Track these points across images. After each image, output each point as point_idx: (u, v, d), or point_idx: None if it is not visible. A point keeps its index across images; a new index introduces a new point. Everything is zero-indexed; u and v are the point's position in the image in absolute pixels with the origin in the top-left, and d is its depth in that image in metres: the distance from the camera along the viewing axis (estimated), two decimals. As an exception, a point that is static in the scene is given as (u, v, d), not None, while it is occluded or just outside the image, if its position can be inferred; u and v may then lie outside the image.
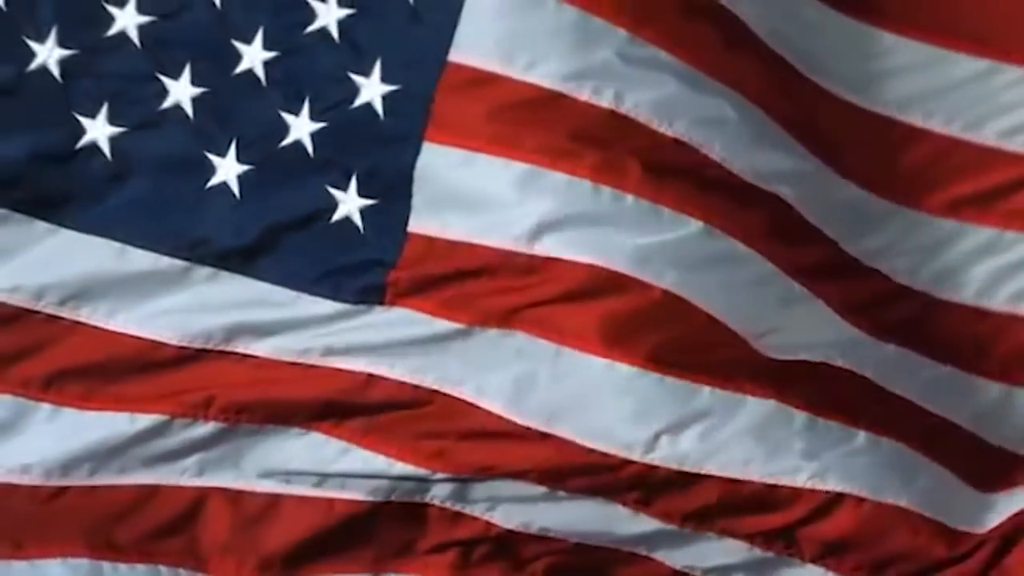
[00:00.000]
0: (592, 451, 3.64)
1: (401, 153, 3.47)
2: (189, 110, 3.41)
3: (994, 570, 3.77)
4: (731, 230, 3.52)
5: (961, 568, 3.78)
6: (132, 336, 3.54)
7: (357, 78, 3.42)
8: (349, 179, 3.50)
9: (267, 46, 3.39)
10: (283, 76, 3.41)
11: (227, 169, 3.46)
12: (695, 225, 3.50)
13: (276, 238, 3.51)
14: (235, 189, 3.47)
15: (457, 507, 3.72)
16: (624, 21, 3.40)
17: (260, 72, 3.40)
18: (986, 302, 3.58)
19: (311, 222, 3.51)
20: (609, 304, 3.56)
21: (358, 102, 3.44)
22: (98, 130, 3.40)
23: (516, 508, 3.74)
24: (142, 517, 3.61)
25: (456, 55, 3.41)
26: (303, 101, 3.43)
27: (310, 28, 3.38)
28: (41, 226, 3.43)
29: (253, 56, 3.39)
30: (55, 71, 3.34)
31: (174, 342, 3.56)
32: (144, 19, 3.35)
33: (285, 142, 3.45)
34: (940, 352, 3.64)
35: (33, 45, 3.32)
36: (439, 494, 3.71)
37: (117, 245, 3.47)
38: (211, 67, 3.39)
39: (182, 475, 3.61)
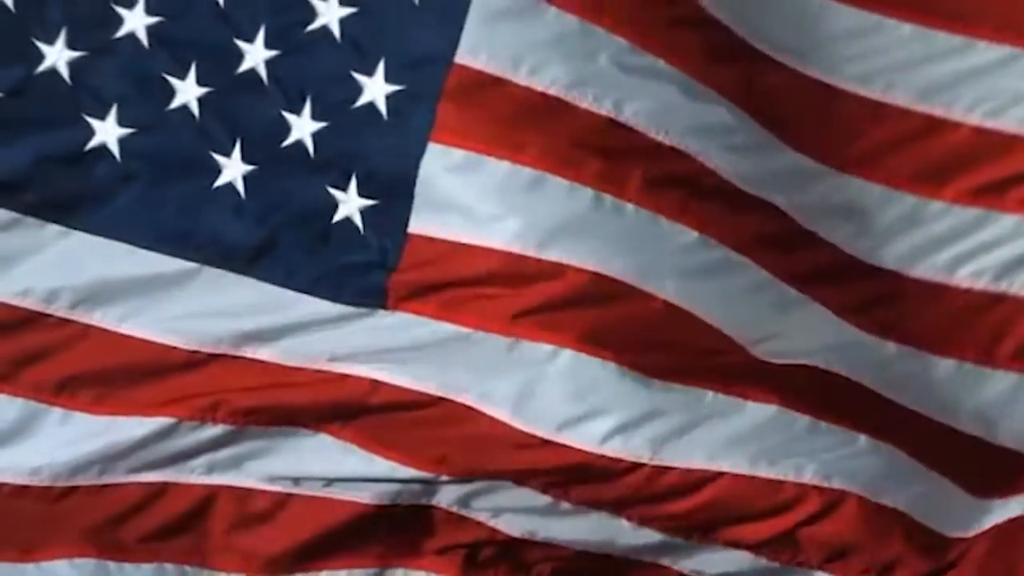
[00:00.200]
0: (601, 456, 3.65)
1: (404, 154, 3.49)
2: (195, 110, 3.41)
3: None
4: (725, 239, 3.55)
5: (955, 574, 3.75)
6: (144, 340, 3.57)
7: (360, 77, 3.43)
8: (349, 179, 3.50)
9: (268, 45, 3.38)
10: (284, 75, 3.40)
11: (232, 169, 3.47)
12: (691, 235, 3.54)
13: (278, 238, 3.52)
14: (240, 189, 3.48)
15: (463, 512, 3.73)
16: (622, 30, 3.43)
17: (262, 71, 3.40)
18: (1004, 287, 3.53)
19: (312, 222, 3.52)
20: (611, 310, 3.60)
21: (360, 102, 3.44)
22: (107, 132, 3.39)
23: (520, 518, 3.76)
24: (150, 515, 3.64)
25: (462, 57, 3.44)
26: (304, 101, 3.43)
27: (311, 27, 3.37)
28: (52, 229, 3.43)
29: (255, 55, 3.38)
30: (64, 73, 3.33)
31: (185, 346, 3.58)
32: (152, 20, 3.34)
33: (287, 142, 3.45)
34: (947, 345, 3.60)
35: (42, 47, 3.30)
36: (444, 498, 3.72)
37: (127, 247, 3.47)
38: (215, 66, 3.38)
39: (191, 473, 3.64)
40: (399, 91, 3.45)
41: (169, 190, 3.47)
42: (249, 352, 3.60)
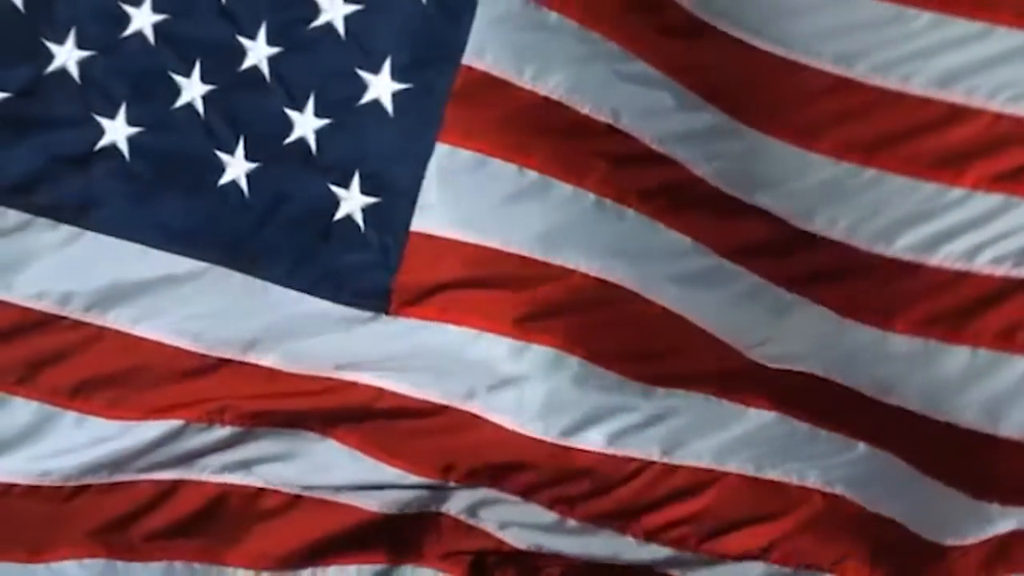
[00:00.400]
0: (610, 456, 3.60)
1: (410, 152, 3.48)
2: (200, 108, 3.42)
3: None
4: (716, 245, 3.55)
5: None
6: (156, 342, 3.58)
7: (365, 75, 3.42)
8: (351, 177, 3.49)
9: (271, 42, 3.38)
10: (287, 72, 3.40)
11: (236, 167, 3.47)
12: (686, 241, 3.54)
13: (280, 237, 3.51)
14: (244, 187, 3.48)
15: (471, 521, 3.72)
16: (616, 36, 3.44)
17: (264, 68, 3.40)
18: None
19: (313, 220, 3.51)
20: (613, 315, 3.60)
21: (365, 99, 3.44)
22: (117, 131, 3.41)
23: (526, 533, 3.76)
24: (161, 513, 3.65)
25: (469, 58, 3.44)
26: (307, 98, 3.42)
27: (314, 24, 3.37)
28: (64, 230, 3.45)
29: (257, 52, 3.39)
30: (74, 72, 3.35)
31: (195, 349, 3.59)
32: (159, 17, 3.35)
33: (289, 139, 3.45)
34: (963, 333, 3.50)
35: (52, 47, 3.33)
36: (453, 506, 3.72)
37: (139, 247, 3.49)
38: (218, 64, 3.39)
39: (203, 472, 3.65)
40: (406, 89, 3.45)
41: (176, 189, 3.48)
42: (254, 357, 3.60)
